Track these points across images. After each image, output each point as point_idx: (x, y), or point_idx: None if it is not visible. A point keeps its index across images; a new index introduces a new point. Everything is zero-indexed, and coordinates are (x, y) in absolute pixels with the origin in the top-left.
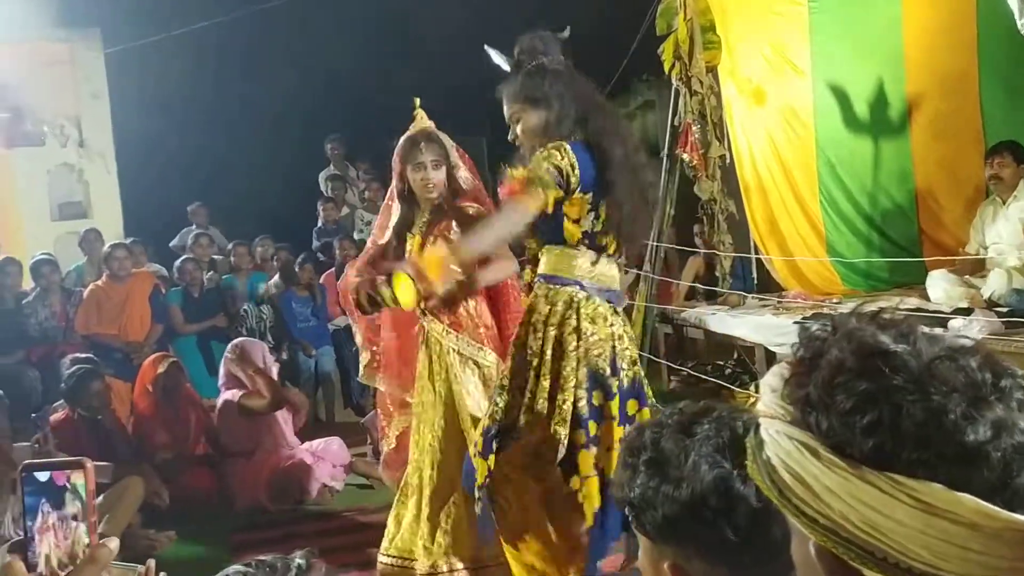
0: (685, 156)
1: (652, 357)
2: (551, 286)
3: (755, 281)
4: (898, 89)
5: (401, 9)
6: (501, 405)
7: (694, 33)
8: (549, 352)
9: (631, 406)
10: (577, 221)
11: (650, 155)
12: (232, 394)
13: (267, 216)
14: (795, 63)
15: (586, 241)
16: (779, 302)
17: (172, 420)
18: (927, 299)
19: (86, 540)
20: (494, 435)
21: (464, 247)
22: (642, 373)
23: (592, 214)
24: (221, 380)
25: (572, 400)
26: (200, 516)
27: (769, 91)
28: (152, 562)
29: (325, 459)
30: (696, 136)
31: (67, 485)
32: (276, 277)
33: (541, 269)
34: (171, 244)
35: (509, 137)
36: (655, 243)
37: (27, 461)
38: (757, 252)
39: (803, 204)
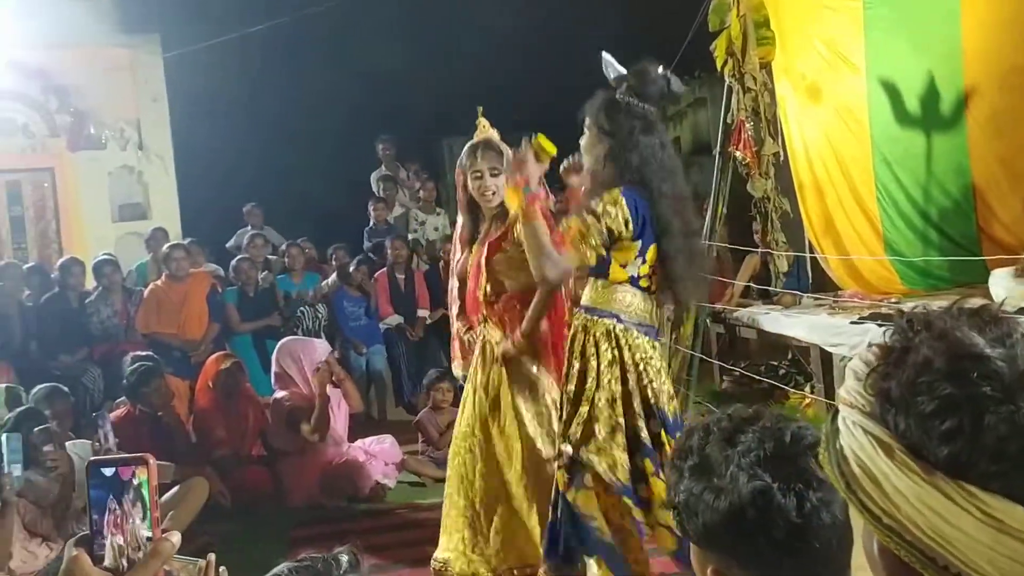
0: (738, 154)
1: (704, 357)
2: (590, 317)
3: (810, 280)
4: (955, 84)
5: (451, 12)
6: (577, 434)
7: (747, 29)
8: (593, 383)
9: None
10: (624, 265)
11: (701, 153)
12: (283, 395)
13: (320, 216)
14: (849, 59)
15: (629, 282)
16: (835, 302)
17: (231, 418)
18: (991, 299)
19: (148, 534)
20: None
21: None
22: (678, 409)
23: (640, 259)
24: (273, 379)
25: (634, 429)
26: (258, 512)
27: (823, 87)
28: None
29: (378, 457)
30: (749, 133)
31: (132, 480)
32: (333, 276)
33: (583, 300)
34: (227, 245)
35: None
36: (707, 242)
37: (93, 457)
38: (812, 251)
39: (860, 201)
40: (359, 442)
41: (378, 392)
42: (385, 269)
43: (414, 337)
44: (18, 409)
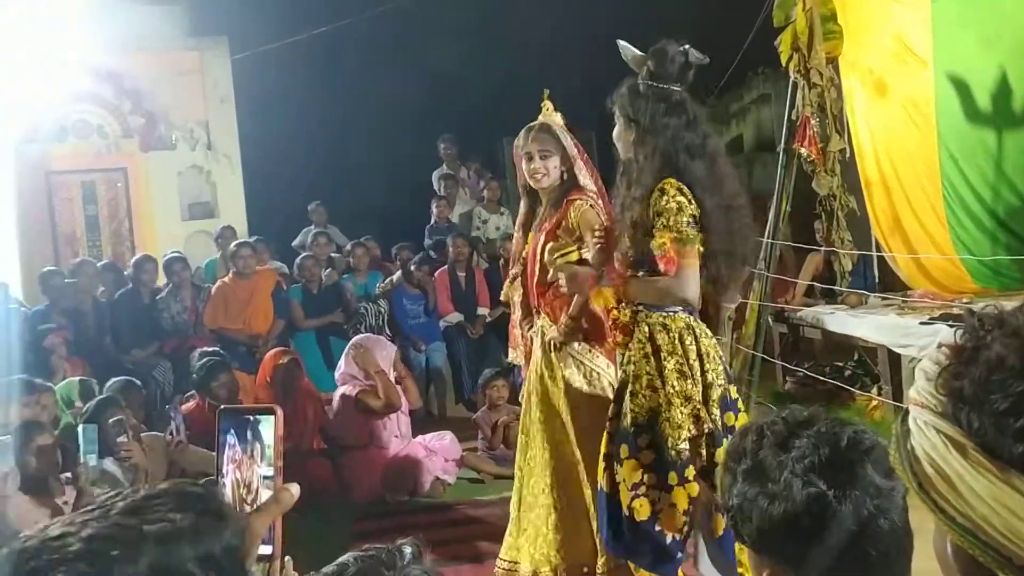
0: (803, 151)
1: (766, 357)
2: (666, 313)
3: (876, 279)
4: None
5: (515, 11)
6: (674, 435)
7: (814, 24)
8: (684, 380)
9: (729, 418)
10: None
11: (764, 150)
12: (349, 389)
13: (384, 215)
14: (917, 53)
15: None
16: (904, 302)
17: (290, 413)
18: None
19: (268, 472)
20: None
21: (630, 287)
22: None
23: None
24: (339, 374)
25: (711, 421)
26: (321, 506)
27: (890, 82)
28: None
29: (438, 453)
30: (815, 130)
31: (256, 426)
32: (397, 274)
33: (645, 299)
34: (293, 243)
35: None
36: (770, 240)
37: (225, 406)
38: (878, 249)
39: (928, 199)
40: (419, 438)
41: (438, 389)
42: (446, 267)
43: (474, 335)
44: (96, 399)
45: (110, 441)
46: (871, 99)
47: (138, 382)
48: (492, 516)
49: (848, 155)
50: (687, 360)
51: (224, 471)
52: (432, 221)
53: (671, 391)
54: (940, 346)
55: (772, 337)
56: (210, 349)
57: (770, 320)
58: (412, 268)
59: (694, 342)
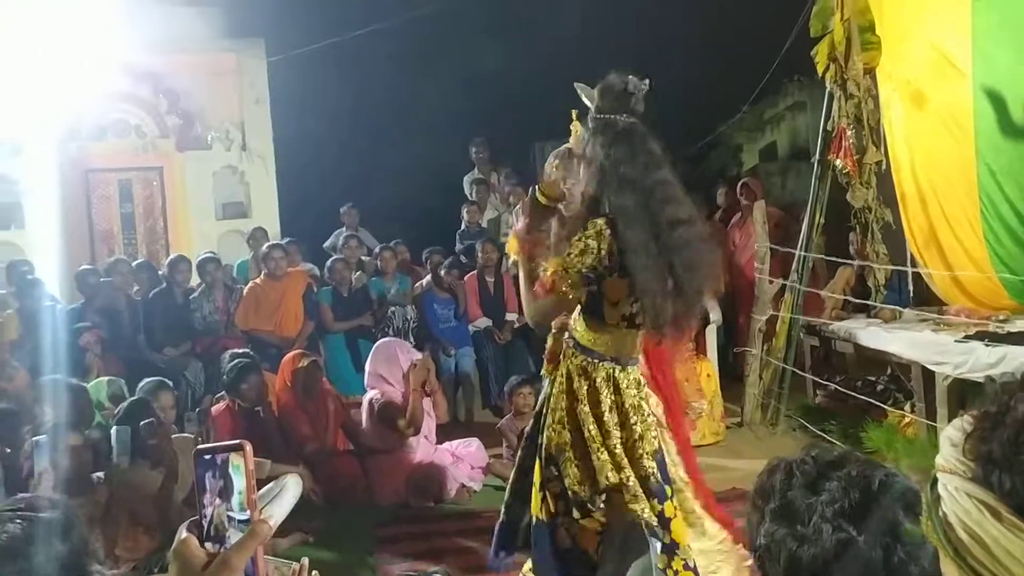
0: (838, 162)
1: (796, 371)
2: (588, 359)
3: (911, 294)
4: None
5: (548, 16)
6: (571, 475)
7: (851, 34)
8: (596, 427)
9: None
10: (616, 304)
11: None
12: (375, 395)
13: (415, 218)
14: (956, 64)
15: (624, 323)
16: (939, 318)
17: (313, 414)
18: None
19: (244, 516)
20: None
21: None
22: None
23: (631, 297)
24: (367, 378)
25: (644, 474)
26: (346, 510)
27: (928, 93)
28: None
29: (464, 460)
30: (851, 141)
31: (228, 463)
32: (427, 278)
33: (577, 336)
34: (325, 245)
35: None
36: (802, 252)
37: (199, 446)
38: (913, 263)
39: (965, 213)
40: (446, 444)
41: (465, 394)
42: (475, 272)
43: (502, 340)
44: (128, 401)
45: (142, 442)
46: (908, 111)
47: (170, 383)
48: None
49: (884, 167)
50: (602, 410)
51: (204, 511)
52: (463, 226)
53: (589, 433)
54: (962, 414)
55: (803, 350)
56: (240, 351)
57: (801, 333)
58: (442, 272)
59: (612, 393)
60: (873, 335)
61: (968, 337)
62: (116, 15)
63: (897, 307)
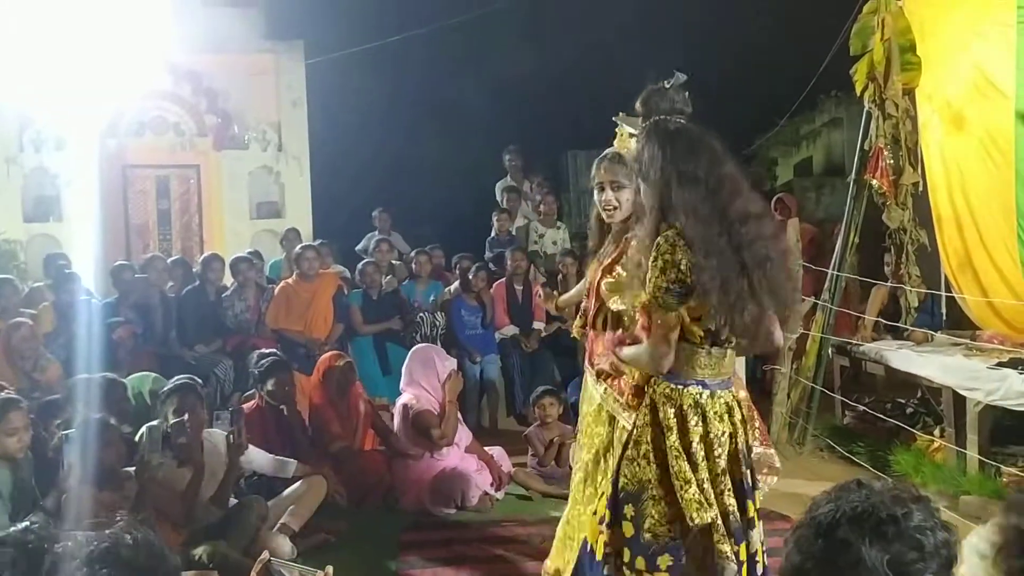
0: (875, 182)
1: (825, 391)
2: (673, 385)
3: (944, 317)
4: None
5: (583, 24)
6: (655, 515)
7: (892, 54)
8: (684, 460)
9: (750, 506)
10: (699, 320)
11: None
12: (410, 400)
13: (447, 224)
14: (998, 87)
15: (709, 340)
16: (972, 343)
17: (342, 415)
18: None
19: None
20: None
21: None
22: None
23: (712, 310)
24: (403, 381)
25: (724, 511)
26: (370, 512)
27: (969, 116)
28: (331, 568)
29: (488, 466)
30: (888, 161)
31: None
32: (456, 284)
33: (631, 365)
34: (357, 248)
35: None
36: (835, 272)
37: (274, 561)
38: (947, 286)
39: (1002, 237)
40: (469, 451)
41: (490, 401)
42: (504, 279)
43: (528, 348)
44: (160, 399)
45: (172, 440)
46: (948, 132)
47: (199, 381)
48: (539, 536)
49: (920, 188)
50: (689, 440)
51: None
52: (493, 234)
53: (677, 467)
54: (990, 526)
55: (833, 369)
56: (268, 351)
57: (831, 352)
58: (470, 276)
59: (700, 423)
60: (904, 358)
61: (1001, 364)
62: (159, 15)
63: (929, 330)
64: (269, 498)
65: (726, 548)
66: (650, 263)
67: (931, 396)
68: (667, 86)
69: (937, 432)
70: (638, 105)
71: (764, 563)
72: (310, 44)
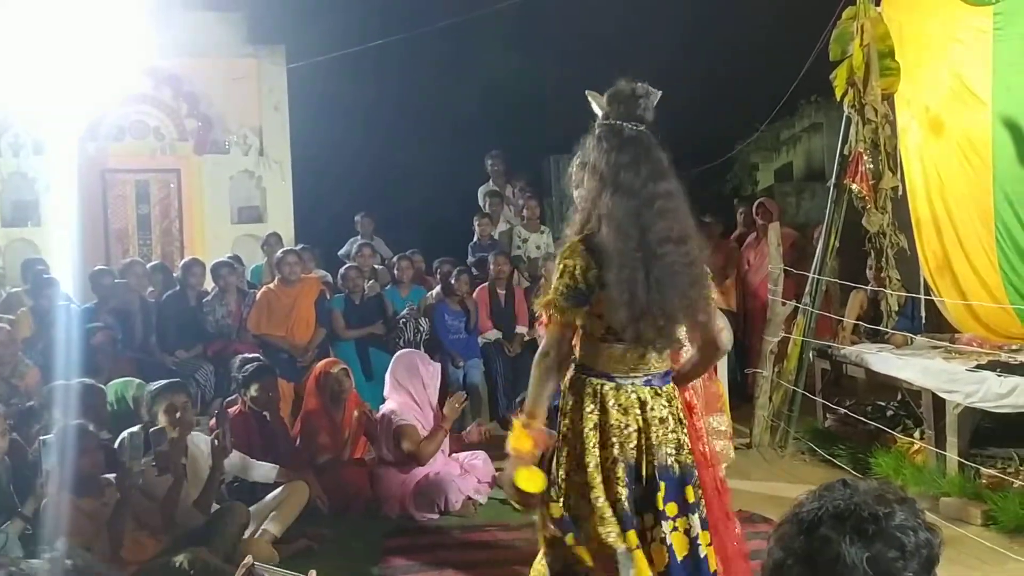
0: (854, 187)
1: (807, 394)
2: (577, 374)
3: (923, 321)
4: None
5: (564, 27)
6: (555, 496)
7: (871, 59)
8: (579, 446)
9: (689, 493)
10: (600, 316)
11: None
12: (393, 408)
13: (429, 228)
14: (975, 92)
15: (611, 336)
16: (951, 346)
17: (335, 423)
18: None
19: None
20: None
21: (529, 408)
22: (691, 459)
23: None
24: (387, 387)
25: (613, 499)
26: (353, 518)
27: (947, 120)
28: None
29: (471, 472)
30: (868, 166)
31: None
32: (437, 288)
33: (576, 352)
34: (340, 252)
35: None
36: (816, 275)
37: (257, 566)
38: (927, 289)
39: (980, 241)
40: (454, 455)
41: (473, 406)
42: (486, 284)
43: (511, 353)
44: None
45: (154, 446)
46: (926, 137)
47: (184, 384)
48: (521, 540)
49: (900, 193)
50: (582, 427)
51: None
52: (475, 238)
53: (562, 454)
54: None
55: (814, 373)
56: (251, 355)
57: (812, 356)
58: (451, 280)
59: (596, 411)
60: (884, 361)
61: (980, 366)
62: (139, 18)
63: (909, 333)
64: (250, 504)
65: (603, 530)
66: (557, 262)
67: (911, 399)
68: (637, 93)
69: (917, 434)
70: (605, 98)
71: (708, 551)
72: (292, 48)
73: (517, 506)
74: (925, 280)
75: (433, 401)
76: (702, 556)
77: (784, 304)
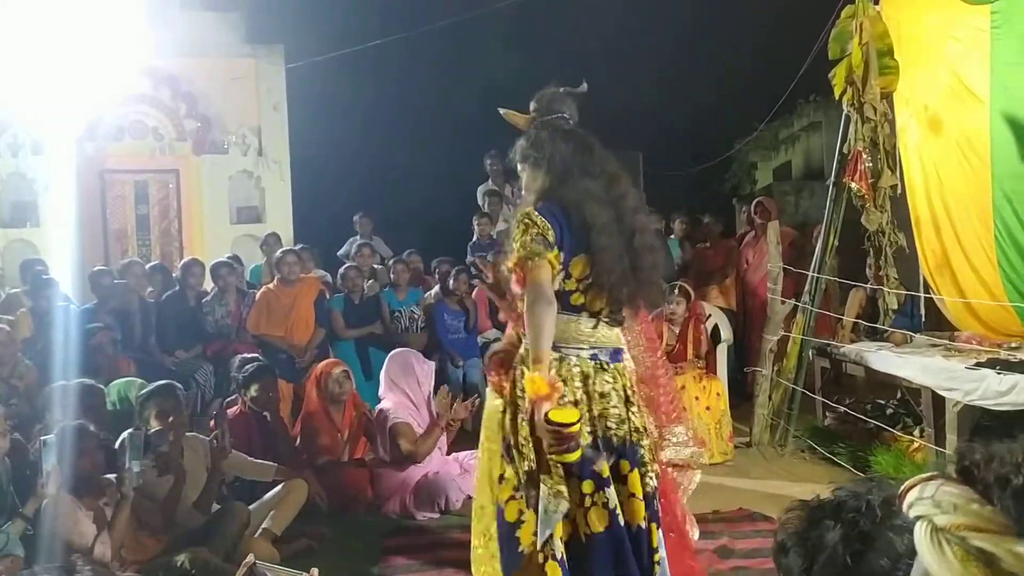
0: (853, 185)
1: (806, 392)
2: (526, 345)
3: (923, 319)
4: None
5: (561, 30)
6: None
7: (870, 58)
8: (519, 416)
9: (623, 466)
10: (570, 276)
11: (812, 178)
12: (388, 407)
13: (428, 227)
14: (974, 90)
15: (568, 302)
16: (950, 344)
17: (335, 425)
18: None
19: None
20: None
21: (535, 353)
22: (635, 437)
23: (563, 274)
24: (381, 385)
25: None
26: (354, 517)
27: (945, 119)
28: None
29: (471, 471)
30: (867, 165)
31: None
32: (436, 288)
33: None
34: (339, 252)
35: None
36: (815, 274)
37: (259, 564)
38: (926, 287)
39: (979, 239)
40: (453, 455)
41: (473, 405)
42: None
43: None
44: (140, 406)
45: (154, 448)
46: (925, 135)
47: (179, 385)
48: None
49: (899, 191)
50: (516, 393)
51: None
52: (474, 237)
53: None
54: None
55: (813, 371)
56: (250, 356)
57: (812, 354)
58: (449, 280)
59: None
60: (884, 359)
61: (979, 364)
62: (138, 18)
63: (908, 331)
64: (250, 503)
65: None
66: (515, 230)
67: (911, 397)
68: (564, 91)
69: (917, 432)
70: (533, 103)
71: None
72: (290, 48)
73: (554, 451)
74: (924, 278)
75: (429, 399)
76: (622, 525)
77: (783, 303)
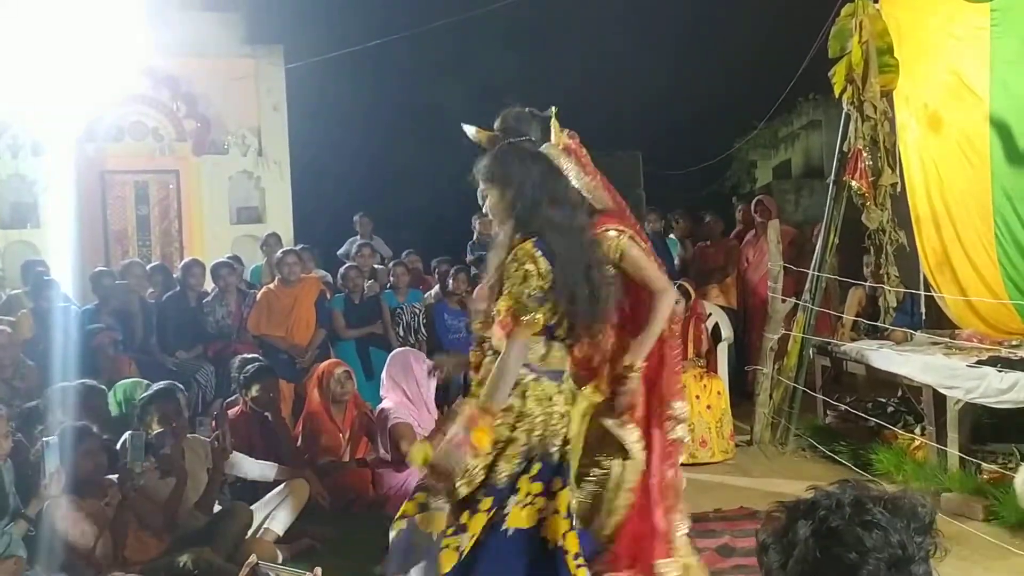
0: (854, 183)
1: (807, 391)
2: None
3: (923, 317)
4: None
5: (562, 30)
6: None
7: (869, 56)
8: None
9: (556, 483)
10: (553, 311)
11: (812, 176)
12: (389, 407)
13: (428, 227)
14: (974, 89)
15: (544, 333)
16: (951, 342)
17: (336, 426)
18: None
19: None
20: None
21: (489, 403)
22: (569, 455)
23: (548, 307)
24: (383, 385)
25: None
26: (356, 517)
27: (945, 117)
28: (319, 570)
29: None
30: (867, 163)
31: None
32: (435, 288)
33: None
34: (339, 252)
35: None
36: (816, 272)
37: (262, 565)
38: (926, 285)
39: (979, 236)
40: None
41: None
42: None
43: None
44: (142, 408)
45: (154, 450)
46: (925, 134)
47: (180, 386)
48: None
49: (899, 189)
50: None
51: None
52: (474, 237)
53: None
54: None
55: (814, 370)
56: (250, 356)
57: (812, 353)
58: (449, 279)
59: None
60: (885, 357)
61: (980, 362)
62: (138, 19)
63: (909, 330)
64: (252, 503)
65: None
66: (512, 271)
67: (912, 395)
68: (531, 113)
69: (918, 430)
70: (498, 122)
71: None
72: (290, 48)
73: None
74: (925, 276)
75: (428, 399)
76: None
77: (784, 301)
